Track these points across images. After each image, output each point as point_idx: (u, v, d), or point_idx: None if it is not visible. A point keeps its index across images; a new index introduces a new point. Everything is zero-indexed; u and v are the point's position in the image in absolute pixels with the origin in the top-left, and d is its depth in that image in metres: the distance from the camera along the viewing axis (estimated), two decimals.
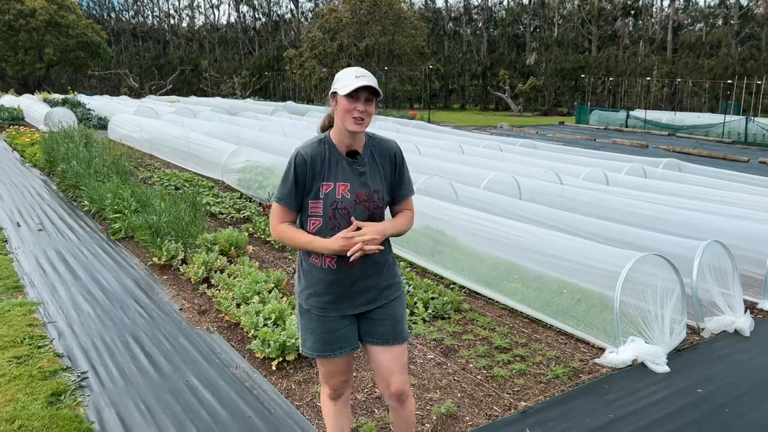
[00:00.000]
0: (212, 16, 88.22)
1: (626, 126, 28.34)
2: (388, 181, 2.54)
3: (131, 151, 13.46)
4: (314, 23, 47.06)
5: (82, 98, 29.12)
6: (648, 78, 37.67)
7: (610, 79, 39.32)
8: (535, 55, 48.70)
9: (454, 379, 4.05)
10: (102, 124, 19.81)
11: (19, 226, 7.44)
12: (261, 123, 16.29)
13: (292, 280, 5.77)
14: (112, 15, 69.10)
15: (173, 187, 9.58)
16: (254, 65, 55.01)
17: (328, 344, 2.55)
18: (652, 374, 4.33)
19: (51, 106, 24.26)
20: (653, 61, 45.24)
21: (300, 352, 2.63)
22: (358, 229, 2.38)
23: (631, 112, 29.29)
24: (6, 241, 6.77)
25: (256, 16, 67.34)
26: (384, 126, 17.88)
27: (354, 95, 2.31)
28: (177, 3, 70.15)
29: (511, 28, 55.64)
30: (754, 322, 5.33)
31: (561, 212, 7.34)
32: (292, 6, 63.28)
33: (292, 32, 60.37)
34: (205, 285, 5.26)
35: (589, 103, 36.53)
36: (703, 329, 5.16)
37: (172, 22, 70.45)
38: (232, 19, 70.08)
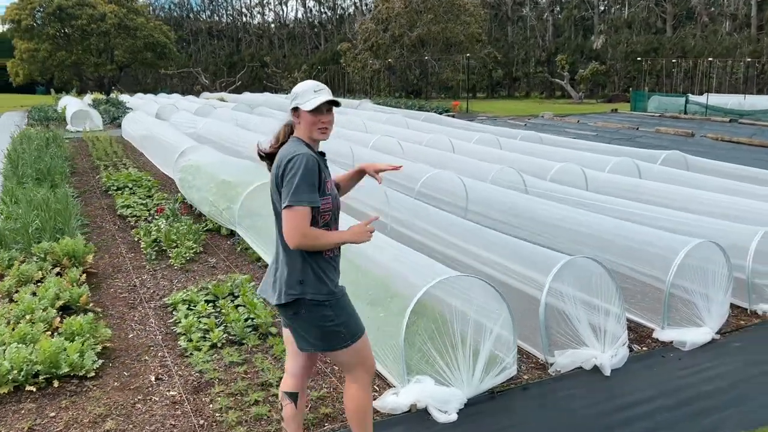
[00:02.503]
0: (281, 12, 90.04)
1: (685, 112, 25.91)
2: None
3: (121, 149, 13.63)
4: (368, 15, 46.61)
5: (134, 96, 30.40)
6: (711, 59, 34.33)
7: (673, 61, 36.19)
8: (603, 37, 45.75)
9: (171, 423, 3.48)
10: None
11: None
12: (256, 119, 16.09)
13: (123, 294, 5.37)
14: (191, 16, 71.88)
15: (115, 188, 9.48)
16: (319, 59, 55.41)
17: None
18: (432, 424, 3.57)
19: (96, 106, 25.45)
20: (735, 40, 41.32)
21: (349, 345, 2.69)
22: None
23: (690, 97, 26.71)
24: None
25: (322, 10, 67.91)
26: (393, 120, 17.15)
27: (317, 109, 2.55)
28: (248, 1, 71.69)
29: (578, 11, 52.61)
30: (628, 356, 4.37)
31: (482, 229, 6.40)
32: None
33: (356, 25, 60.29)
34: (8, 299, 4.96)
35: (646, 88, 33.78)
36: (551, 364, 4.29)
37: (244, 20, 72.43)
38: (299, 15, 71.12)
